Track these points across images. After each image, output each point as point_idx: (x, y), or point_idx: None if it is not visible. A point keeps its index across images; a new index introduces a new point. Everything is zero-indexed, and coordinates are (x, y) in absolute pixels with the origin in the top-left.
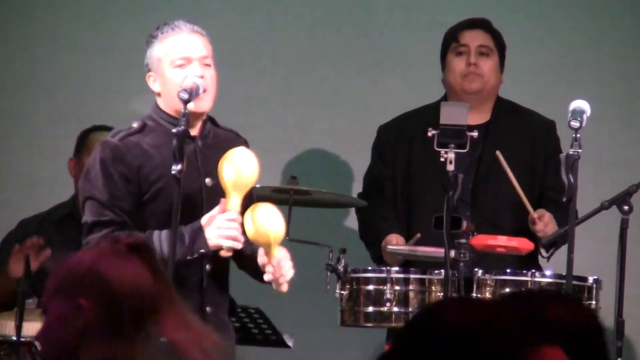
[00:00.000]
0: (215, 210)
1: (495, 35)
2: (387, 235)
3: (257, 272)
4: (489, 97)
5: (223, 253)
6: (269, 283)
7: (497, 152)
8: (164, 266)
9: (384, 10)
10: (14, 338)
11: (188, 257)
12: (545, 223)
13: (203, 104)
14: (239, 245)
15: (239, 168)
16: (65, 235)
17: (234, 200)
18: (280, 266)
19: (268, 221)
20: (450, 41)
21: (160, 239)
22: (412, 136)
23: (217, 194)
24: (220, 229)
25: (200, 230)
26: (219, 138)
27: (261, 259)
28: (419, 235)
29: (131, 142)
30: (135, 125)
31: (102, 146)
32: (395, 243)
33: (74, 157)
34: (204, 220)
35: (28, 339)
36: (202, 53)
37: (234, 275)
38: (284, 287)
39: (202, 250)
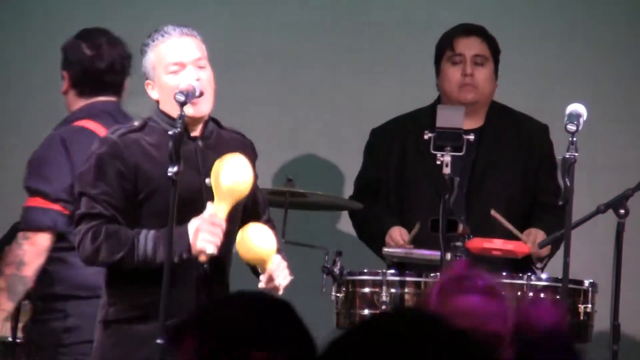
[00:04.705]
0: (202, 215)
1: (490, 42)
2: (389, 228)
3: (255, 270)
4: (484, 104)
5: (202, 258)
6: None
7: (492, 211)
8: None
9: (379, 10)
10: (10, 339)
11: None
12: (534, 243)
13: (202, 108)
14: (215, 252)
15: (230, 177)
16: None
17: (221, 206)
18: (273, 278)
19: (259, 241)
20: (445, 48)
21: (146, 237)
22: (405, 139)
23: None
24: (203, 233)
25: (185, 234)
26: (223, 139)
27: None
28: (418, 225)
29: (130, 139)
30: (136, 123)
31: (100, 142)
32: (398, 235)
33: None
34: (190, 224)
35: (23, 339)
36: (195, 56)
37: (233, 272)
38: (279, 292)
39: (184, 255)
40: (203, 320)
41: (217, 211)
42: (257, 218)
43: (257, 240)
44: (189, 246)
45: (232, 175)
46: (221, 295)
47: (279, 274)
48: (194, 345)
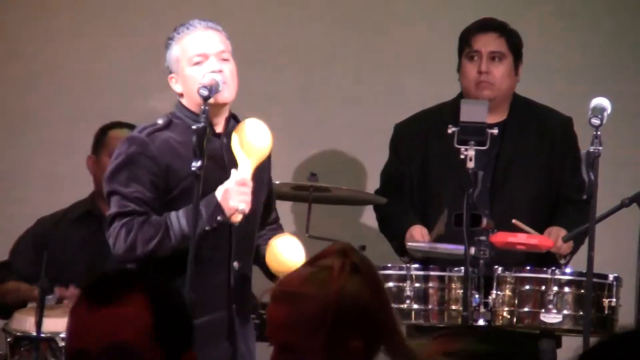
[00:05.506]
0: (227, 182)
1: (509, 37)
2: (410, 227)
3: (268, 272)
4: (504, 99)
5: (234, 218)
6: None
7: (514, 221)
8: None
9: (402, 7)
10: (34, 334)
11: (207, 228)
12: (556, 242)
13: (225, 94)
14: (246, 209)
15: (249, 136)
16: (84, 233)
17: (246, 166)
18: None
19: (290, 253)
20: (464, 44)
21: (177, 215)
22: (429, 134)
23: None
24: (232, 192)
25: (213, 198)
26: None
27: None
28: (441, 219)
29: (159, 138)
30: (160, 121)
31: (128, 141)
32: (419, 234)
33: (93, 154)
34: (217, 190)
35: (48, 334)
36: (218, 48)
37: (254, 272)
38: None
39: (219, 218)
40: (153, 286)
41: (242, 171)
42: (268, 212)
43: (288, 253)
44: (220, 206)
45: (259, 136)
46: (247, 298)
47: None
48: (144, 303)
